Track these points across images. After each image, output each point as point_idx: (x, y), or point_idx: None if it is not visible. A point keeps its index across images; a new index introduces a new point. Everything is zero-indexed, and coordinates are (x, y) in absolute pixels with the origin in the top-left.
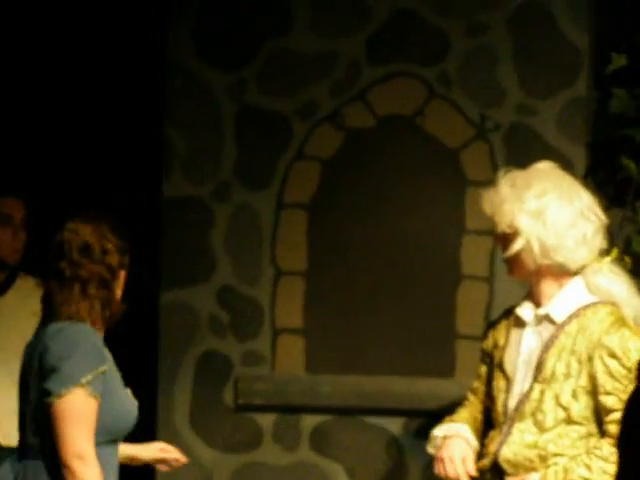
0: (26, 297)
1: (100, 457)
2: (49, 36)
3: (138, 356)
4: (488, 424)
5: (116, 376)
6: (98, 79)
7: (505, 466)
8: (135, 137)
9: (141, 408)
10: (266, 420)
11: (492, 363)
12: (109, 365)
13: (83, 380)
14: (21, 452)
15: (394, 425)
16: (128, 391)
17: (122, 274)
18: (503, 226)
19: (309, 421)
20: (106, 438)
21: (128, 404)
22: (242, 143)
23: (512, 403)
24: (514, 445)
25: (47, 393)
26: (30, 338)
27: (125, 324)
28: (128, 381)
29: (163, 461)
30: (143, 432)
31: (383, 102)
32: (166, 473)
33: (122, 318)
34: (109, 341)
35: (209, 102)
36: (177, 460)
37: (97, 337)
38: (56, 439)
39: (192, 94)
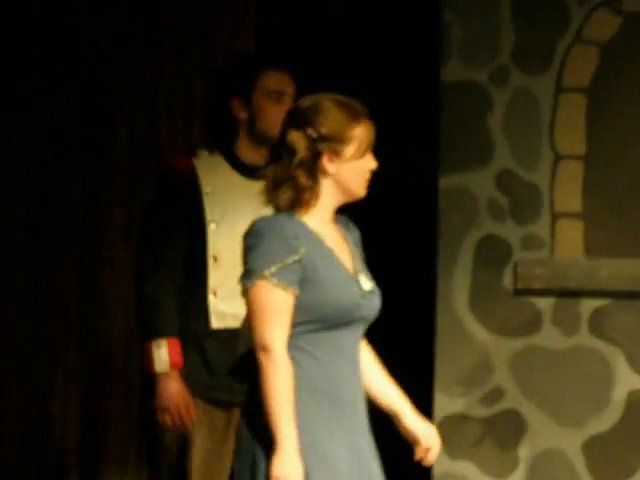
0: None
1: (314, 344)
2: None
3: (418, 241)
4: None
5: (325, 263)
6: None
7: None
8: (414, 22)
9: (422, 293)
10: (545, 304)
11: None
12: (306, 254)
13: (266, 272)
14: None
15: None
16: (353, 278)
17: (323, 161)
18: None
19: (588, 305)
20: (318, 326)
21: (339, 292)
22: (519, 27)
23: None
24: None
25: (242, 286)
26: None
27: (405, 209)
28: (406, 266)
29: (417, 444)
30: (423, 314)
31: None
32: (446, 360)
33: (402, 202)
34: (389, 225)
35: None
36: (426, 456)
37: (292, 226)
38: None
39: None
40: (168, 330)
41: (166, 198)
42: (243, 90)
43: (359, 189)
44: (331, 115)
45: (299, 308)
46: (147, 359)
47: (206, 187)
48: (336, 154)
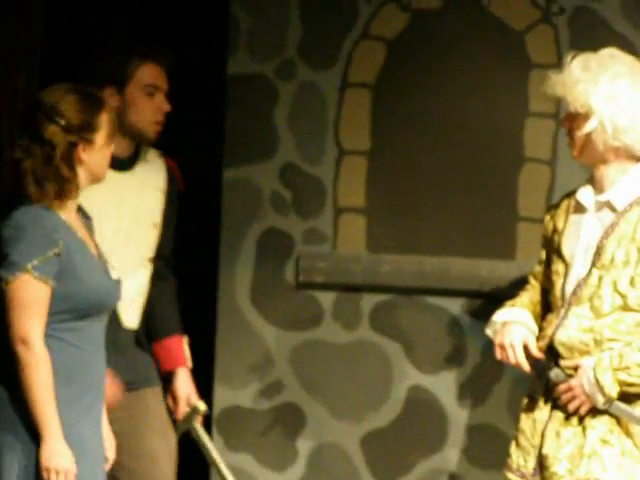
0: (151, 170)
1: (67, 332)
2: None
3: (201, 233)
4: (548, 308)
5: (81, 255)
6: None
7: (560, 349)
8: (201, 14)
9: (203, 285)
10: (326, 298)
11: (551, 247)
12: (64, 246)
13: (29, 265)
14: None
15: (453, 306)
16: (103, 268)
17: (79, 151)
18: (576, 105)
19: (369, 300)
20: (73, 315)
21: (95, 282)
22: (307, 21)
23: (570, 288)
24: (570, 329)
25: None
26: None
27: (188, 201)
28: (190, 258)
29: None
30: (205, 308)
31: None
32: (226, 352)
33: (186, 194)
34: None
35: None
36: None
37: (51, 219)
38: (6, 325)
39: None
40: None
41: None
42: (119, 79)
43: (104, 175)
44: (78, 105)
45: (55, 299)
46: None
47: None
48: (89, 143)
